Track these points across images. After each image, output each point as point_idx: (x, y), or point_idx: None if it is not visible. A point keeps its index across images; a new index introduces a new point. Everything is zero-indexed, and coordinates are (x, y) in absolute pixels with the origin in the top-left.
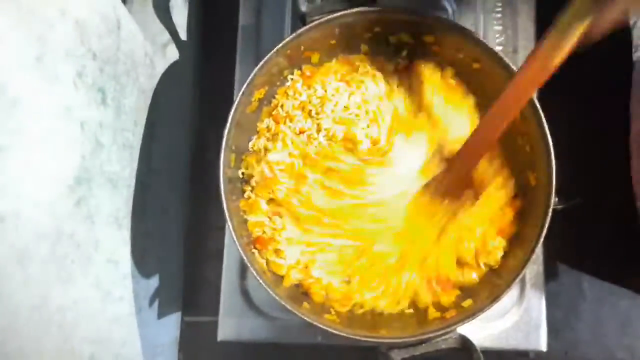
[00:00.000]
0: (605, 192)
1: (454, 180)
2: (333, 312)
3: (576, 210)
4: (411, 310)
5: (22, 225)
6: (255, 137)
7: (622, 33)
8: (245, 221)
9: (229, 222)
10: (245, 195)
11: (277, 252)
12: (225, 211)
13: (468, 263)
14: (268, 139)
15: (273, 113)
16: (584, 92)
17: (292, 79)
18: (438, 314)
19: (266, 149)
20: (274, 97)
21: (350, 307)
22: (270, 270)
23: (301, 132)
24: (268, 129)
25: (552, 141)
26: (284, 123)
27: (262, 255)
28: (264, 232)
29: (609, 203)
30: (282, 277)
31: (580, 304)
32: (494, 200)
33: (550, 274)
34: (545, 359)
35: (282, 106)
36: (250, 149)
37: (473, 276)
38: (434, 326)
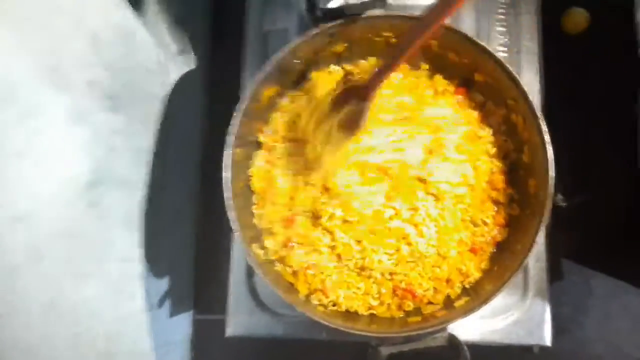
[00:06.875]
0: (613, 188)
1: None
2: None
3: (583, 206)
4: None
5: (36, 225)
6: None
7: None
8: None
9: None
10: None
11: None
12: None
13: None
14: None
15: None
16: (588, 90)
17: None
18: (428, 311)
19: None
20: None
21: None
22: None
23: None
24: None
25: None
26: None
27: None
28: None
29: (616, 199)
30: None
31: (588, 301)
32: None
33: (556, 270)
34: (551, 354)
35: None
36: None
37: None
38: (422, 324)
